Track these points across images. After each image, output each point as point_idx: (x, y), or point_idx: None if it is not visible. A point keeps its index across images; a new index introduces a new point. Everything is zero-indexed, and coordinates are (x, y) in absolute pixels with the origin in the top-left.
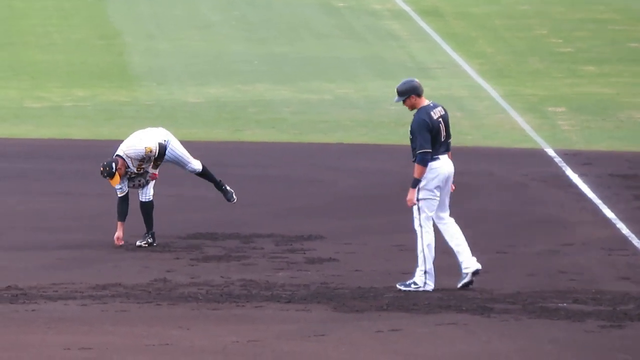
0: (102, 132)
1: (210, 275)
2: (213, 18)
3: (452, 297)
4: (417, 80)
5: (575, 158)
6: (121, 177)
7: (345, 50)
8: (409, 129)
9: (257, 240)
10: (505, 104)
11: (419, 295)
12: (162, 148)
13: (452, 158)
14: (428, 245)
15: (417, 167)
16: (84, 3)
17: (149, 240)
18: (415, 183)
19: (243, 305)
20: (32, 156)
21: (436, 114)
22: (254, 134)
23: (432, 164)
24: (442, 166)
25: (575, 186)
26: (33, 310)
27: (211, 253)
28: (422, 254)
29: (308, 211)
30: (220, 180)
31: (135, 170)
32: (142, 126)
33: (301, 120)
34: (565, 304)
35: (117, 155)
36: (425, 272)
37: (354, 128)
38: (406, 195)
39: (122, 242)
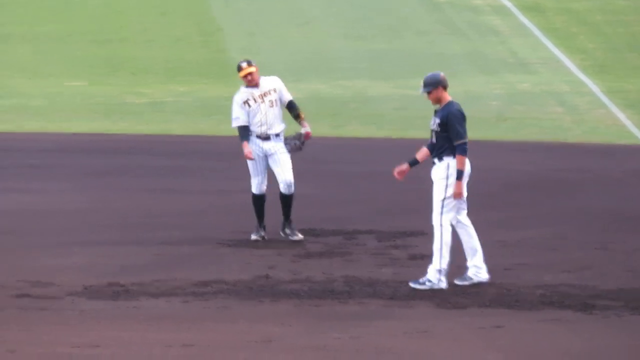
0: (202, 128)
1: (312, 272)
2: (313, 14)
3: (555, 293)
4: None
5: None
6: (251, 84)
7: (446, 46)
8: (436, 121)
9: (360, 237)
10: (607, 99)
11: (521, 291)
12: (293, 104)
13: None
14: (446, 244)
15: (460, 159)
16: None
17: (261, 233)
18: (460, 175)
19: (345, 302)
20: (132, 152)
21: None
22: (354, 130)
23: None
24: (468, 164)
25: None
26: (134, 307)
27: (313, 249)
28: (439, 252)
29: (410, 207)
30: (290, 217)
31: (258, 95)
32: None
33: (401, 117)
34: None
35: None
36: (439, 271)
37: None
38: (459, 190)
39: (252, 157)
